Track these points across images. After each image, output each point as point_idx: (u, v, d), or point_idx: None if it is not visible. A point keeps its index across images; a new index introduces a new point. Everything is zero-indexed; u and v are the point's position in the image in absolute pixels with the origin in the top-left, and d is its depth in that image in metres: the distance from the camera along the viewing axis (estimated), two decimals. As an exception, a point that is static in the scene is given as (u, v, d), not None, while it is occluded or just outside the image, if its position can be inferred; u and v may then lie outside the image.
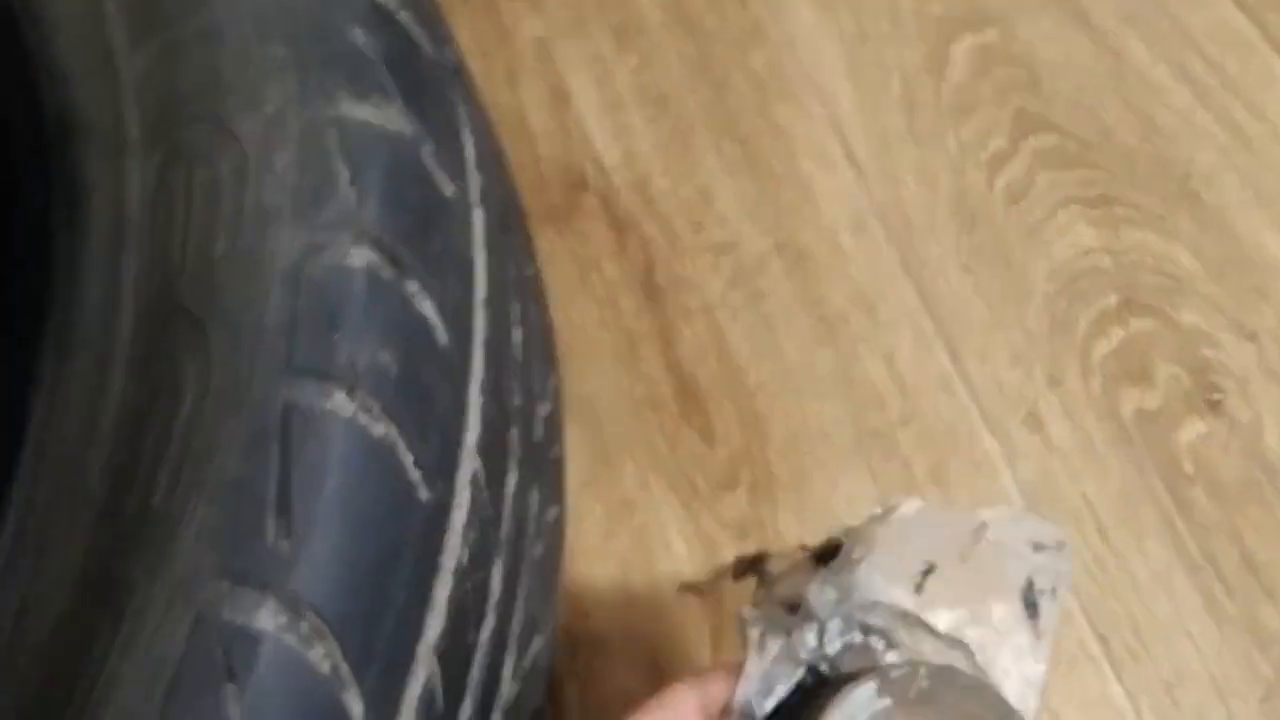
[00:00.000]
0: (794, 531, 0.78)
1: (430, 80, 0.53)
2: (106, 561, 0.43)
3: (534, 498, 0.56)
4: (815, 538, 0.60)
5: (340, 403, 0.43)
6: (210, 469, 0.41)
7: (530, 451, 0.55)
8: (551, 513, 0.60)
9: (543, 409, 0.59)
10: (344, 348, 0.44)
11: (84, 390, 0.48)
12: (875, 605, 0.49)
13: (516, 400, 0.53)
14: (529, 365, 0.56)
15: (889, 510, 0.53)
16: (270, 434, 0.42)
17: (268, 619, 0.40)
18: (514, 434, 0.53)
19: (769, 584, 0.59)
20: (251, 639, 0.40)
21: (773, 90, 0.96)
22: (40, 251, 0.54)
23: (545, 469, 0.58)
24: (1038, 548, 0.52)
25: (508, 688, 0.52)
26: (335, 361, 0.43)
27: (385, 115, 0.49)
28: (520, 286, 0.57)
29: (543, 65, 0.97)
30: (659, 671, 0.75)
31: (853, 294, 0.88)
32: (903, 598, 0.49)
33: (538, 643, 0.57)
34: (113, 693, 0.39)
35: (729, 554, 0.79)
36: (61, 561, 0.45)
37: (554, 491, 0.61)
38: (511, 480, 0.52)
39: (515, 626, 0.53)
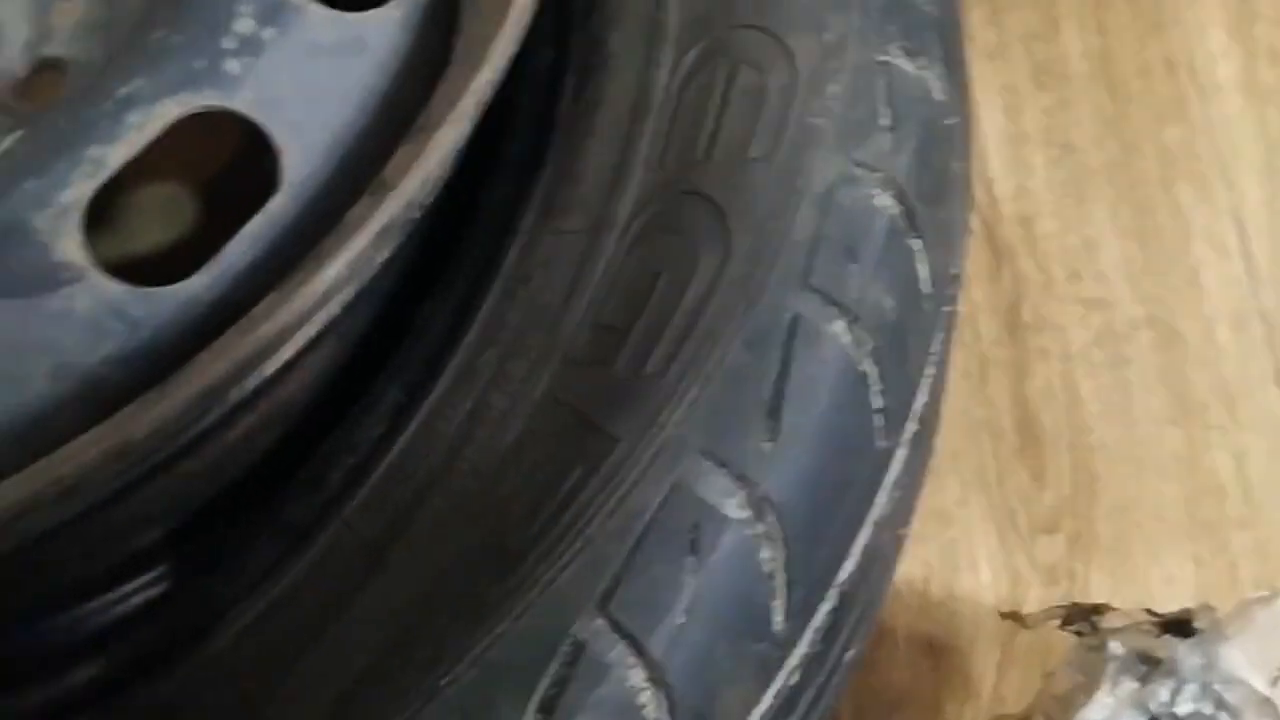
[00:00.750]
0: (1103, 593, 0.77)
1: (960, 57, 0.53)
2: (586, 409, 0.44)
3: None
4: (1126, 605, 0.59)
5: (839, 330, 0.44)
6: (712, 353, 0.43)
7: (932, 423, 0.55)
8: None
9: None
10: (856, 281, 0.45)
11: (570, 248, 0.50)
12: (1235, 682, 0.49)
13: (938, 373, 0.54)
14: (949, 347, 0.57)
15: (1268, 599, 0.53)
16: (775, 338, 0.43)
17: (735, 509, 0.41)
18: (936, 405, 0.53)
19: (1099, 636, 0.59)
20: (719, 521, 0.41)
21: (1181, 167, 0.95)
22: (541, 110, 0.56)
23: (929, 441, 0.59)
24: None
25: (853, 650, 0.53)
26: (846, 291, 0.44)
27: (928, 77, 0.50)
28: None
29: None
30: (934, 679, 0.75)
31: (1217, 385, 0.86)
32: (1261, 684, 0.50)
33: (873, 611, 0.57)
34: (583, 530, 0.41)
35: (1034, 594, 0.78)
36: (523, 391, 0.47)
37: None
38: (921, 451, 0.52)
39: (875, 590, 0.54)
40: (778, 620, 0.42)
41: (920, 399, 0.48)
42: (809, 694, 0.47)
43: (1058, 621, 0.62)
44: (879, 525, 0.47)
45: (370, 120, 0.52)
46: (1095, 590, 0.78)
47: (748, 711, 0.43)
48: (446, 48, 0.57)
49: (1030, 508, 0.82)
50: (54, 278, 0.47)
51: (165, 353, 0.48)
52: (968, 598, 0.79)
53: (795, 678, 0.45)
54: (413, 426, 0.50)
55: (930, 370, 0.49)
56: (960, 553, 0.80)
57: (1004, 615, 0.70)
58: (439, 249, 0.55)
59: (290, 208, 0.50)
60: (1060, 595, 0.76)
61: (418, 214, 0.47)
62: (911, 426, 0.48)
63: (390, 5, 0.54)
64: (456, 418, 0.48)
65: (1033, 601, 0.77)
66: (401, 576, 0.45)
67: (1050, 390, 0.86)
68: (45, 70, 0.59)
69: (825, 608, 0.45)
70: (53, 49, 0.59)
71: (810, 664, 0.46)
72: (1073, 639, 0.63)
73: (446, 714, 0.39)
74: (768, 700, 0.44)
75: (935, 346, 0.49)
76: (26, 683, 0.48)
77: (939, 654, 0.77)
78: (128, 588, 0.54)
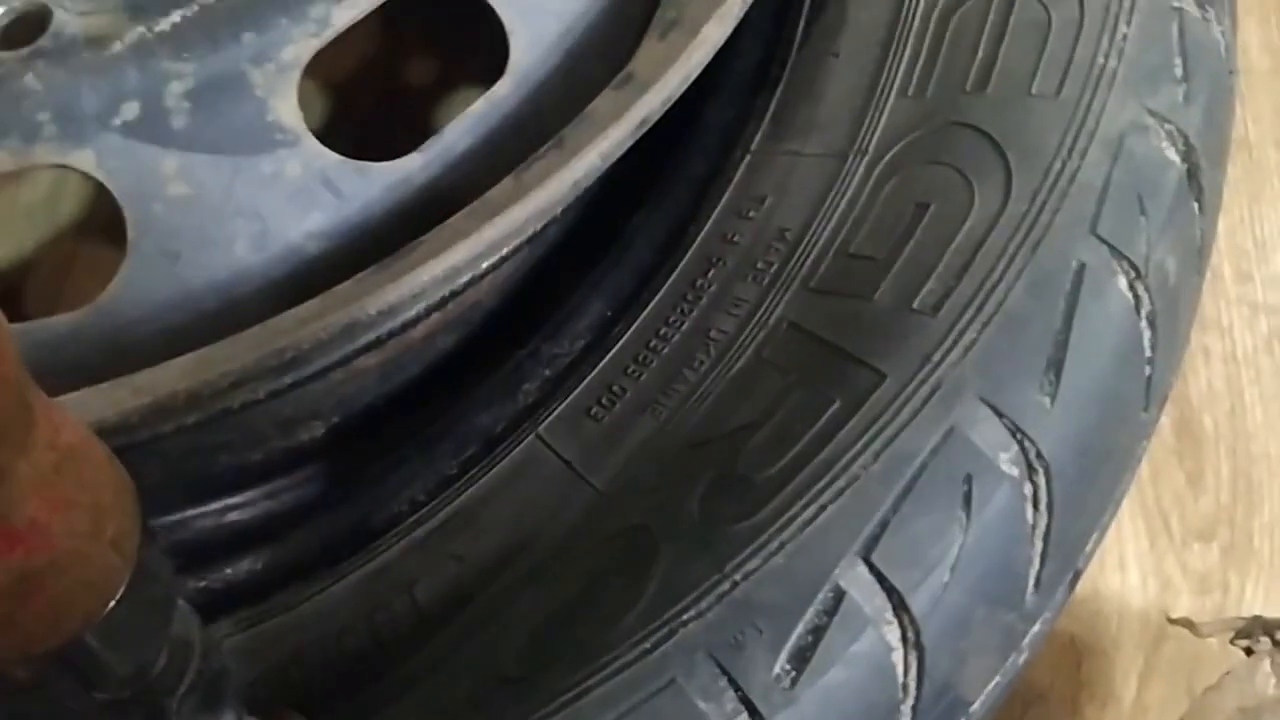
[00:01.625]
0: (1257, 608, 0.74)
1: (1234, 11, 0.50)
2: (840, 341, 0.41)
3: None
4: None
5: (1123, 286, 0.41)
6: (992, 295, 0.39)
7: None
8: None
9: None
10: (1144, 236, 0.41)
11: (809, 171, 0.46)
12: None
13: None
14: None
15: None
16: (1059, 285, 0.40)
17: (1009, 465, 0.38)
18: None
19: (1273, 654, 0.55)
20: (993, 475, 0.38)
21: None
22: (772, 27, 0.52)
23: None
24: None
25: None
26: (1133, 245, 0.41)
27: (1215, 28, 0.46)
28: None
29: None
30: (1074, 680, 0.72)
31: (1392, 407, 0.83)
32: None
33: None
34: (846, 468, 0.37)
35: (1184, 603, 0.75)
36: (755, 316, 0.43)
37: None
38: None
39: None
40: (1030, 591, 0.39)
41: (1174, 375, 0.44)
42: (1017, 675, 0.44)
43: (1230, 634, 0.59)
44: (1116, 502, 0.43)
45: (600, 12, 0.48)
46: (1249, 605, 0.75)
47: (983, 687, 0.39)
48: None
49: (1185, 512, 0.78)
50: (267, 138, 0.43)
51: (371, 232, 0.45)
52: (1114, 598, 0.75)
53: (1025, 655, 0.41)
54: (621, 342, 0.46)
55: (1185, 347, 0.45)
56: (1109, 551, 0.76)
57: (1173, 621, 0.66)
58: (650, 159, 0.51)
59: (515, 94, 0.46)
60: (1212, 606, 0.73)
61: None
62: (1158, 397, 0.44)
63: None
64: (672, 336, 0.45)
65: (1182, 610, 0.73)
66: (613, 502, 0.42)
67: (1213, 393, 0.82)
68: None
69: (1065, 583, 0.41)
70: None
71: (1036, 642, 0.42)
72: (1235, 654, 0.60)
73: (685, 653, 0.36)
74: (998, 676, 0.40)
75: (1188, 322, 0.46)
76: (189, 569, 0.44)
77: (1081, 654, 0.73)
78: (280, 483, 0.51)
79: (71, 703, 0.31)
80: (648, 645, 0.36)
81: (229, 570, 0.47)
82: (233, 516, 0.50)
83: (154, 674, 0.31)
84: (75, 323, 0.42)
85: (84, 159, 0.43)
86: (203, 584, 0.46)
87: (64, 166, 0.43)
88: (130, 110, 0.43)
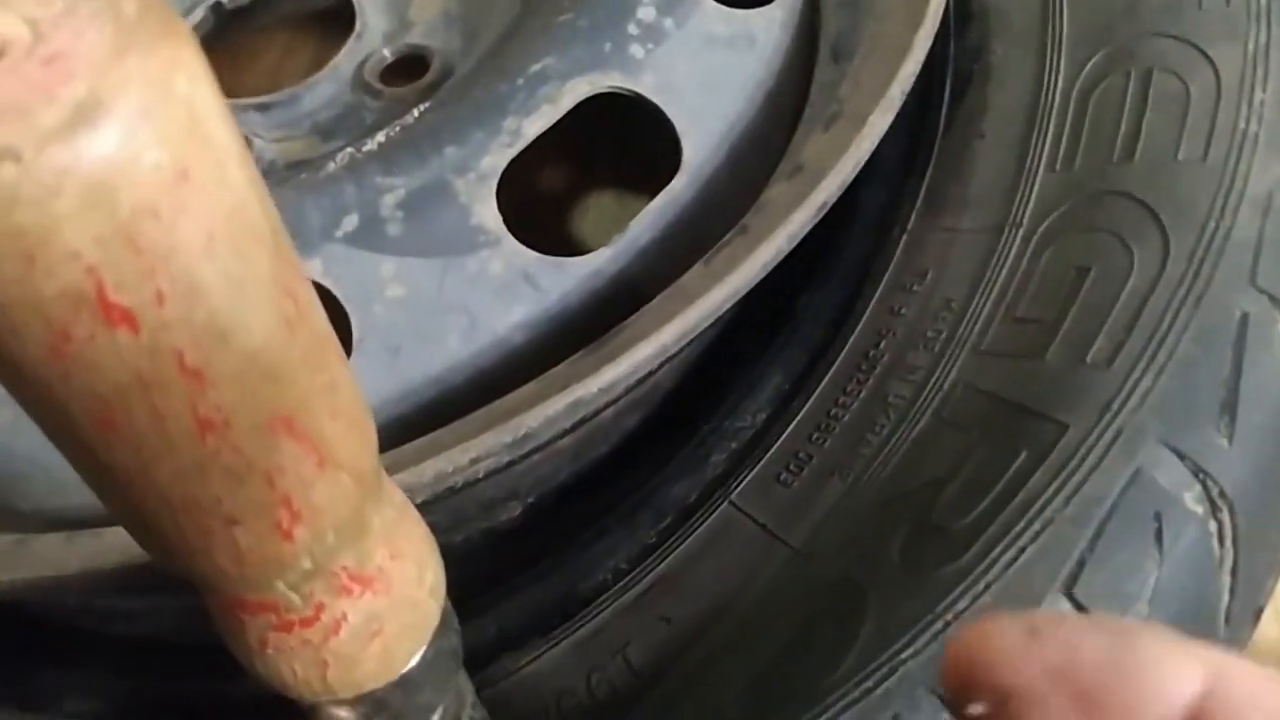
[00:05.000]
0: None
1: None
2: (1019, 398, 0.44)
3: None
4: None
5: (1282, 333, 0.43)
6: (1163, 346, 0.42)
7: None
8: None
9: None
10: (1299, 284, 0.44)
11: (967, 245, 0.50)
12: None
13: None
14: None
15: None
16: (1225, 334, 0.42)
17: (1194, 503, 0.40)
18: None
19: None
20: (1183, 514, 0.40)
21: None
22: (915, 114, 0.56)
23: None
24: None
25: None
26: (1289, 293, 0.43)
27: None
28: None
29: None
30: None
31: None
32: None
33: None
34: (1040, 513, 0.40)
35: None
36: (930, 380, 0.46)
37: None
38: None
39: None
40: (1222, 624, 0.41)
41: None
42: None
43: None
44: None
45: (758, 111, 0.53)
46: None
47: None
48: (814, 49, 0.57)
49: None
50: (472, 240, 0.47)
51: (568, 321, 0.49)
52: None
53: (1214, 690, 0.43)
54: (802, 413, 0.49)
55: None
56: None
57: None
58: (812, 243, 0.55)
59: (689, 189, 0.50)
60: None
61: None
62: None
63: (774, 5, 0.54)
64: (852, 405, 0.48)
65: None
66: (811, 559, 0.45)
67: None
68: (408, 57, 0.61)
69: (1250, 619, 0.43)
70: (414, 38, 0.61)
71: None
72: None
73: (907, 689, 0.39)
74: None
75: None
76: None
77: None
78: (481, 561, 0.54)
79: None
80: (870, 683, 0.39)
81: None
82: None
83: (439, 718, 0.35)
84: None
85: (312, 268, 0.47)
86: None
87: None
88: (350, 222, 0.48)
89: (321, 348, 0.23)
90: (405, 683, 0.31)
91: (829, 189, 0.43)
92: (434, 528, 0.52)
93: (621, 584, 0.48)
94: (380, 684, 0.30)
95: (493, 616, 0.50)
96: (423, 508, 0.46)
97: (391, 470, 0.42)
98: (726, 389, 0.52)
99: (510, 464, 0.47)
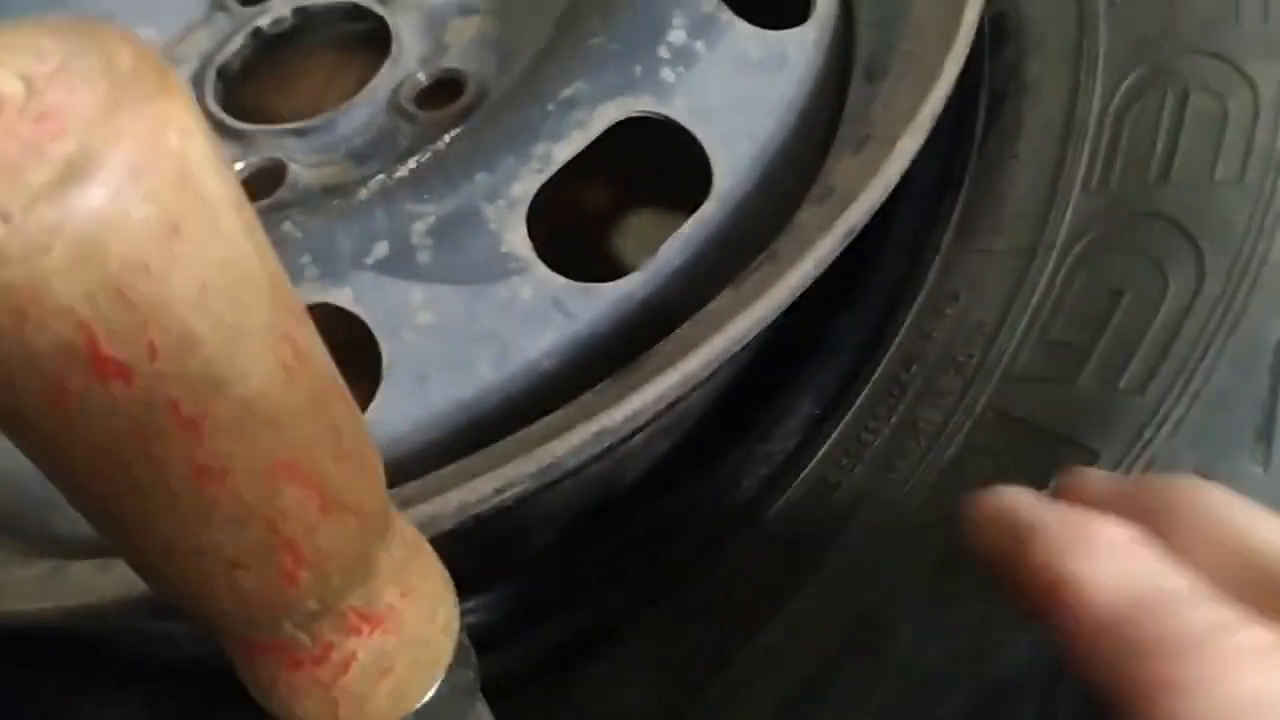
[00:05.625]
0: None
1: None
2: (1050, 424, 0.43)
3: None
4: None
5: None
6: (1197, 372, 0.41)
7: None
8: None
9: None
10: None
11: (1000, 267, 0.49)
12: None
13: None
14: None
15: None
16: (1262, 360, 0.41)
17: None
18: None
19: None
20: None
21: None
22: (949, 134, 0.55)
23: None
24: None
25: None
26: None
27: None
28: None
29: None
30: None
31: None
32: None
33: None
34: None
35: None
36: (961, 405, 0.46)
37: None
38: None
39: None
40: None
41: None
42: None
43: None
44: None
45: (790, 133, 0.52)
46: None
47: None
48: (847, 69, 0.57)
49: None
50: (502, 267, 0.47)
51: (598, 347, 0.48)
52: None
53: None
54: (832, 438, 0.49)
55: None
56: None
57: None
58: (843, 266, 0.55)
59: (719, 214, 0.50)
60: None
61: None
62: None
63: (808, 25, 0.54)
64: (883, 430, 0.48)
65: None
66: (835, 588, 0.44)
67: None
68: (443, 81, 0.61)
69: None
70: (449, 62, 0.61)
71: None
72: None
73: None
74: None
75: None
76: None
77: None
78: (514, 587, 0.54)
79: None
80: (895, 721, 0.38)
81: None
82: (469, 619, 0.53)
83: (458, 752, 0.35)
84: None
85: (342, 296, 0.48)
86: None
87: (325, 304, 0.48)
88: (381, 249, 0.48)
89: (323, 391, 0.23)
90: (419, 718, 0.31)
91: (855, 215, 0.43)
92: (467, 555, 0.53)
93: (653, 611, 0.47)
94: (392, 720, 0.30)
95: (522, 644, 0.50)
96: (452, 542, 0.47)
97: (416, 500, 0.42)
98: (758, 415, 0.52)
99: (544, 489, 0.48)
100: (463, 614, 0.52)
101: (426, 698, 0.30)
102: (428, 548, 0.30)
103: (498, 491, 0.41)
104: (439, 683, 0.31)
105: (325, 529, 0.23)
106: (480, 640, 0.54)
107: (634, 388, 0.42)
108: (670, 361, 0.42)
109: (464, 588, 0.55)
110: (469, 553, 0.53)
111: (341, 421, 0.24)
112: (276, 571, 0.23)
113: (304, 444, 0.22)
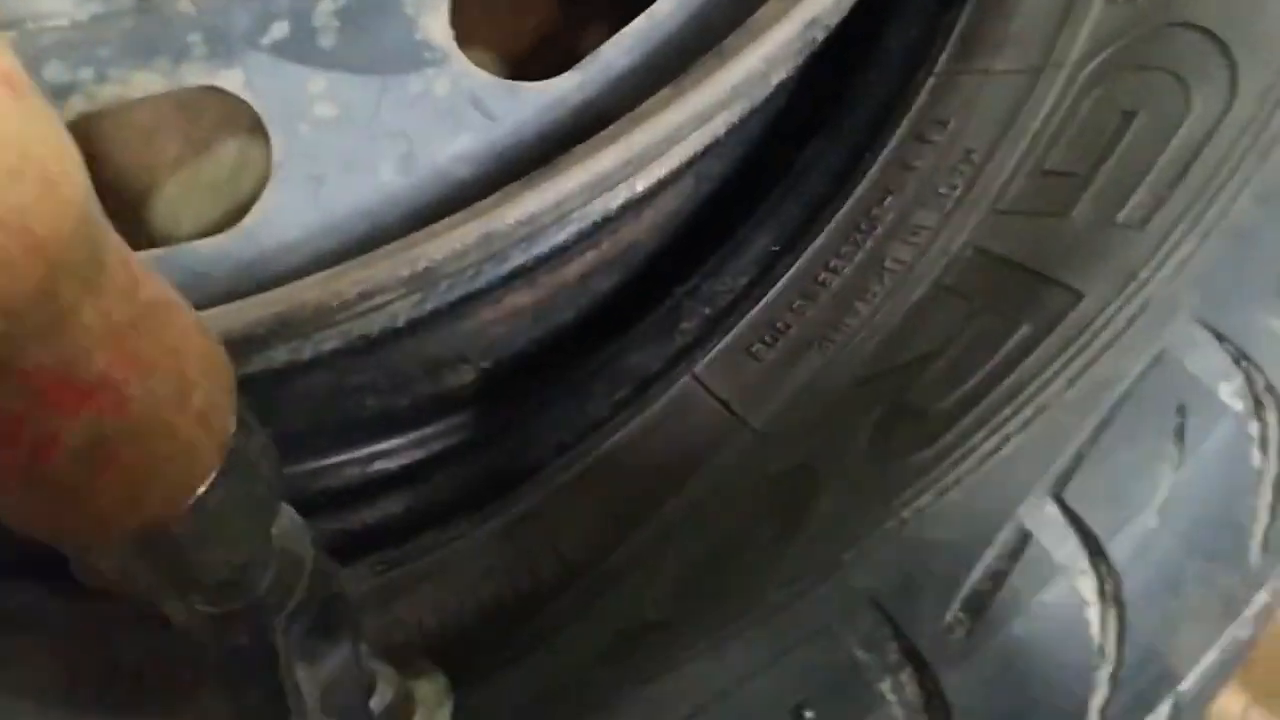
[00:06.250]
0: None
1: None
2: (1030, 261, 0.36)
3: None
4: None
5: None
6: (1212, 206, 0.33)
7: None
8: None
9: None
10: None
11: (1000, 89, 0.41)
12: None
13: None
14: None
15: None
16: (1293, 195, 0.33)
17: (1232, 397, 0.32)
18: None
19: None
20: (1215, 408, 0.32)
21: None
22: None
23: None
24: None
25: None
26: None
27: None
28: None
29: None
30: None
31: None
32: None
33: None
34: (1034, 396, 0.32)
35: None
36: (936, 242, 0.39)
37: None
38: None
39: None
40: (1255, 549, 0.33)
41: None
42: (1238, 656, 0.38)
43: None
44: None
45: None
46: None
47: (1196, 660, 0.33)
48: None
49: None
50: (415, 57, 0.41)
51: (522, 156, 0.42)
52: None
53: (1247, 631, 0.35)
54: (787, 277, 0.42)
55: None
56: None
57: None
58: (820, 90, 0.47)
59: (676, 13, 0.43)
60: None
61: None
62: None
63: None
64: (844, 269, 0.40)
65: None
66: (772, 443, 0.38)
67: None
68: None
69: None
70: None
71: (1261, 618, 0.36)
72: None
73: (843, 598, 0.31)
74: (1214, 651, 0.34)
75: None
76: (332, 512, 0.42)
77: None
78: (429, 431, 0.48)
79: (172, 612, 0.29)
80: (798, 589, 0.32)
81: (368, 514, 0.45)
82: (379, 465, 0.48)
83: (257, 587, 0.29)
84: (219, 247, 0.40)
85: (232, 79, 0.41)
86: (341, 527, 0.44)
87: (212, 88, 0.41)
88: (280, 29, 0.42)
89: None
90: (171, 532, 0.25)
91: (817, 4, 0.36)
92: (374, 387, 0.47)
93: (562, 461, 0.41)
94: (129, 526, 0.24)
95: (420, 489, 0.44)
96: (347, 359, 0.41)
97: (277, 301, 0.36)
98: (713, 249, 0.45)
99: (447, 316, 0.42)
100: (343, 464, 0.47)
101: (184, 506, 0.24)
102: (184, 320, 0.24)
103: (363, 296, 0.34)
104: (204, 489, 0.24)
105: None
106: (391, 482, 0.49)
107: (533, 187, 0.35)
108: (579, 160, 0.35)
109: (377, 428, 0.49)
110: (387, 388, 0.47)
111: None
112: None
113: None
